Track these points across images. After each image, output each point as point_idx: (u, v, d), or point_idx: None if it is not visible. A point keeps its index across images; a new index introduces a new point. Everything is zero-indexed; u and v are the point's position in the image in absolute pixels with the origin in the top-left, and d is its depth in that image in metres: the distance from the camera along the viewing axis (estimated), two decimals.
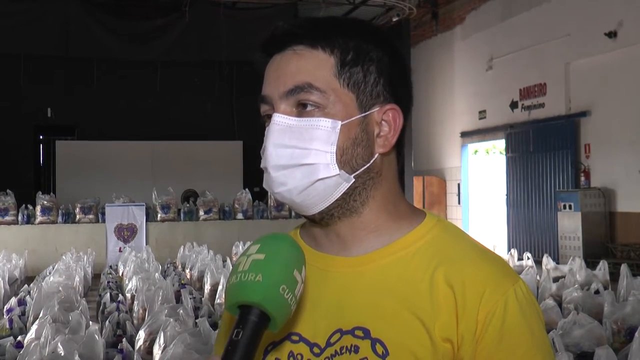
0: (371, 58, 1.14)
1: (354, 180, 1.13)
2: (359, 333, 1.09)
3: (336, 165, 1.11)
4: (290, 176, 1.11)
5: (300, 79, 1.11)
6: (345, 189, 1.13)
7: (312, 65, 1.12)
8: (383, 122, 1.15)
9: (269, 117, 1.14)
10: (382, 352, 1.07)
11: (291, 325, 1.14)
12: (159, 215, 14.08)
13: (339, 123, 1.11)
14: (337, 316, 1.12)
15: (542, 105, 14.69)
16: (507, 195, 16.07)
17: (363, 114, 1.13)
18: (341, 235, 1.17)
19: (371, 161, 1.14)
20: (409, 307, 1.08)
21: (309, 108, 1.11)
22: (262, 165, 1.14)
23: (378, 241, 1.16)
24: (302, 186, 1.11)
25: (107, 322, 5.49)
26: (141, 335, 5.09)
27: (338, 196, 1.13)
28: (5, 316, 6.35)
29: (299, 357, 1.13)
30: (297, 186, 1.12)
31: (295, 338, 1.14)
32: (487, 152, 17.81)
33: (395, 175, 1.20)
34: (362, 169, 1.13)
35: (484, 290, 1.07)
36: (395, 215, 1.18)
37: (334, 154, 1.11)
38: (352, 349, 1.09)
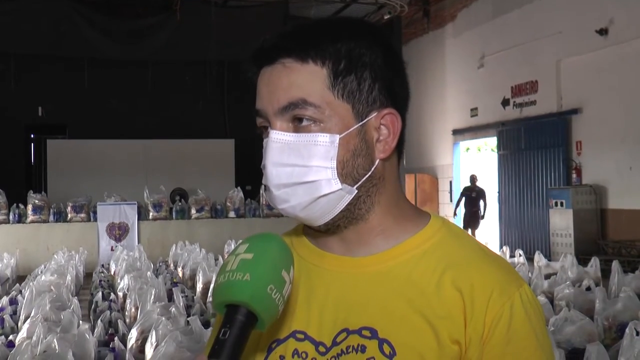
0: (364, 63, 1.11)
1: (357, 191, 1.12)
2: (366, 333, 1.09)
3: (338, 179, 1.10)
4: (292, 194, 1.10)
5: (294, 95, 1.09)
6: (349, 200, 1.12)
7: (304, 79, 1.09)
8: (382, 126, 1.13)
9: (266, 128, 1.12)
10: (390, 352, 1.07)
11: (296, 323, 1.15)
12: (150, 214, 14.05)
13: (337, 137, 1.09)
14: (343, 316, 1.12)
15: (533, 103, 14.73)
16: (498, 192, 16.11)
17: (360, 123, 1.11)
18: (347, 239, 1.16)
19: (372, 169, 1.12)
20: (417, 309, 1.08)
21: (305, 123, 1.09)
22: (263, 182, 1.13)
23: (385, 243, 1.15)
24: (305, 202, 1.10)
25: (99, 320, 5.46)
26: (133, 334, 5.08)
27: (342, 207, 1.12)
28: None
29: (303, 355, 1.13)
30: (300, 202, 1.11)
31: (301, 336, 1.14)
32: (479, 150, 17.85)
33: (397, 176, 1.19)
34: (364, 178, 1.12)
35: (491, 293, 1.07)
36: (400, 217, 1.17)
37: (335, 169, 1.09)
38: (359, 348, 1.09)
